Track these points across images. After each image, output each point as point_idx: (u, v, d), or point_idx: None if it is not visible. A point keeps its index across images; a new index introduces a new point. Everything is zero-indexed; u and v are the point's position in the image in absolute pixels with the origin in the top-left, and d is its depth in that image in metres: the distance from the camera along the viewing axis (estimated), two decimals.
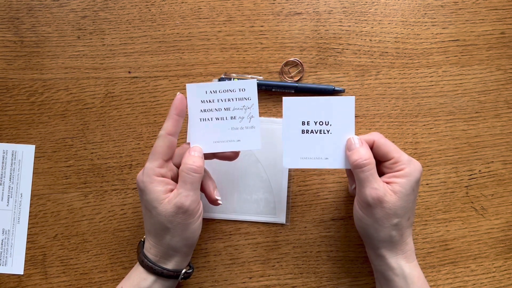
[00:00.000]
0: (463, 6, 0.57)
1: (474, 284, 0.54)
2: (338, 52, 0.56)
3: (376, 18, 0.57)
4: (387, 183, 0.44)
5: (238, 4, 0.56)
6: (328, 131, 0.47)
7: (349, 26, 0.56)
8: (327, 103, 0.46)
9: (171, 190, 0.45)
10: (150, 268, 0.45)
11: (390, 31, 0.57)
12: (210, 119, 0.47)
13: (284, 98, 0.47)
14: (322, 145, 0.47)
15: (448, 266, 0.55)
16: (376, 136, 0.46)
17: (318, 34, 0.56)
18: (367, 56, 0.56)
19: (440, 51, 0.57)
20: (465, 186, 0.56)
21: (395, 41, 0.56)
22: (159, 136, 0.46)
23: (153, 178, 0.45)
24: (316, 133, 0.47)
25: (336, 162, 0.47)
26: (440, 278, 0.54)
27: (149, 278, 0.46)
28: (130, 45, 0.56)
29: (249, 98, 0.47)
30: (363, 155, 0.44)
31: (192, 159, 0.45)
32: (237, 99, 0.47)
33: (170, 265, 0.46)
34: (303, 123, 0.47)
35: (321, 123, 0.47)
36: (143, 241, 0.48)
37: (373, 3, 0.57)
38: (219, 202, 0.48)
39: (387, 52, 0.56)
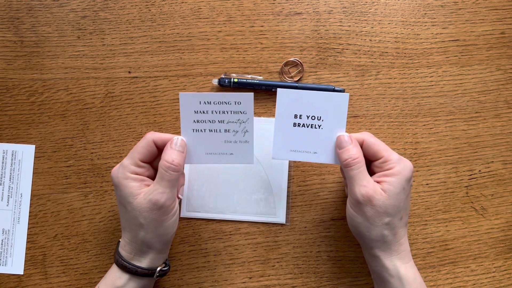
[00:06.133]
0: (463, 6, 0.57)
1: (474, 284, 0.54)
2: (338, 52, 0.56)
3: (376, 18, 0.57)
4: (377, 182, 0.45)
5: (238, 4, 0.56)
6: (319, 126, 0.47)
7: (349, 26, 0.56)
8: (322, 98, 0.47)
9: (147, 186, 0.45)
10: (124, 267, 0.45)
11: (390, 31, 0.57)
12: (203, 130, 0.46)
13: (279, 89, 0.46)
14: (312, 139, 0.47)
15: (448, 266, 0.55)
16: (366, 135, 0.46)
17: (318, 34, 0.56)
18: (367, 56, 0.56)
19: (440, 51, 0.57)
20: (465, 186, 0.56)
21: (395, 41, 0.56)
22: (144, 138, 0.45)
23: (127, 174, 0.44)
24: (308, 127, 0.47)
25: (324, 157, 0.47)
26: (440, 278, 0.54)
27: (124, 277, 0.45)
28: (130, 45, 0.56)
29: (244, 112, 0.46)
30: (353, 154, 0.45)
31: (172, 156, 0.44)
32: (232, 112, 0.46)
33: (144, 263, 0.45)
34: (296, 116, 0.47)
35: (313, 117, 0.47)
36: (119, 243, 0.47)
37: (373, 3, 0.57)
38: (180, 196, 0.48)
39: (387, 52, 0.56)
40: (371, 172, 0.46)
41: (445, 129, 0.56)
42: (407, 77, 0.56)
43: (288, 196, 0.55)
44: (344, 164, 0.45)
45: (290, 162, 0.55)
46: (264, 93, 0.56)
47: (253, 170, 0.55)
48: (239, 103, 0.45)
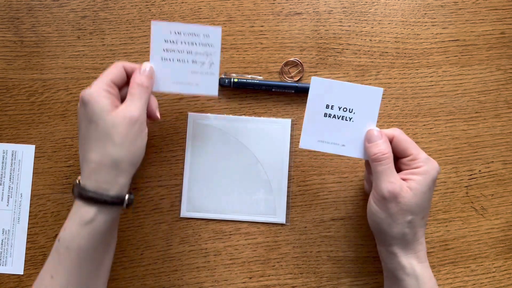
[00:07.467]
0: (463, 6, 0.57)
1: (474, 284, 0.54)
2: (338, 52, 0.56)
3: (376, 18, 0.57)
4: (404, 179, 0.45)
5: (238, 4, 0.56)
6: (350, 119, 0.47)
7: (349, 26, 0.56)
8: (355, 90, 0.47)
9: (118, 107, 0.44)
10: (91, 198, 0.42)
11: (390, 31, 0.57)
12: (171, 60, 0.48)
13: (313, 77, 0.47)
14: (342, 131, 0.47)
15: (448, 266, 0.55)
16: (396, 132, 0.46)
17: (318, 34, 0.56)
18: (367, 56, 0.56)
19: (440, 51, 0.57)
20: (465, 186, 0.56)
21: (395, 41, 0.56)
22: (114, 64, 0.46)
23: (100, 91, 0.44)
24: (338, 118, 0.47)
25: (352, 151, 0.47)
26: (440, 278, 0.54)
27: (91, 210, 0.42)
28: (130, 45, 0.56)
29: (211, 45, 0.48)
30: (383, 149, 0.45)
31: (141, 78, 0.46)
32: (200, 44, 0.48)
33: (112, 191, 0.43)
34: (327, 106, 0.47)
35: (345, 109, 0.47)
36: (78, 181, 0.45)
37: (373, 3, 0.57)
38: (158, 116, 0.48)
39: (387, 52, 0.56)
40: (397, 169, 0.46)
41: (445, 129, 0.56)
42: (407, 77, 0.56)
43: (288, 196, 0.55)
44: (373, 158, 0.45)
45: (290, 162, 0.55)
46: (264, 93, 0.56)
47: (253, 170, 0.55)
48: (207, 36, 0.48)
